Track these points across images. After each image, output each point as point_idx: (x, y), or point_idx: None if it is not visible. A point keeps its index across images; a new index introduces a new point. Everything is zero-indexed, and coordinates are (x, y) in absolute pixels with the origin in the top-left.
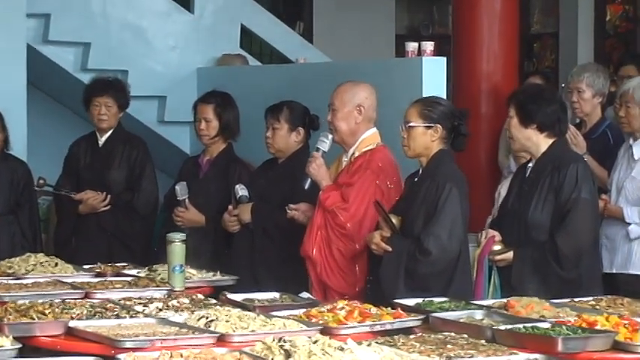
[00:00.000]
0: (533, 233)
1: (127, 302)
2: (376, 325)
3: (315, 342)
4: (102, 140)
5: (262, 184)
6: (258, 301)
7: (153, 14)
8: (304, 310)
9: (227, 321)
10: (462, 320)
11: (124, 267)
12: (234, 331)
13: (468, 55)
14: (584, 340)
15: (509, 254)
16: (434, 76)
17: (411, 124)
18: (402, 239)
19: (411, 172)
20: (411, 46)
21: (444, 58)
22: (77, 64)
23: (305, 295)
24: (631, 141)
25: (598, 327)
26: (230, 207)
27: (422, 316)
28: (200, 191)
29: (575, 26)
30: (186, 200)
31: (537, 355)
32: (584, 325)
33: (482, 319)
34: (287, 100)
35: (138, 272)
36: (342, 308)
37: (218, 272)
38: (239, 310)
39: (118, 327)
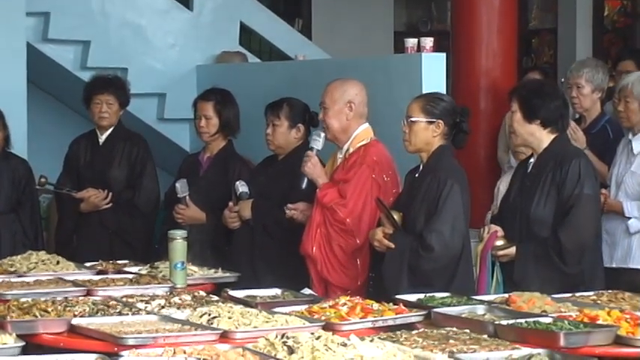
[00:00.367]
0: (535, 228)
1: (129, 299)
2: (378, 320)
3: (318, 338)
4: (102, 138)
5: (262, 181)
6: (260, 297)
7: (152, 12)
8: (306, 306)
9: (229, 318)
10: (463, 315)
11: (125, 264)
12: (236, 327)
13: (467, 52)
14: (586, 335)
15: (512, 249)
16: (433, 73)
17: (413, 119)
18: (405, 235)
19: (408, 168)
20: (411, 42)
21: (444, 54)
22: (77, 62)
23: (307, 291)
24: (630, 135)
25: (600, 322)
26: (230, 204)
27: (424, 312)
28: (200, 188)
29: (573, 22)
30: (187, 197)
31: (540, 350)
32: (585, 319)
33: (484, 315)
34: (287, 97)
35: (139, 270)
36: (344, 304)
37: (219, 269)
38: (241, 306)
39: (120, 324)
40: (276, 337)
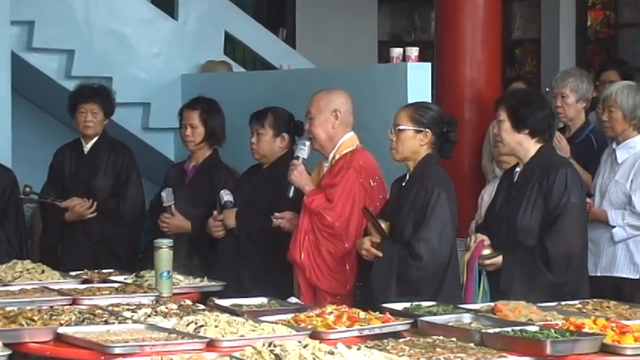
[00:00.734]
0: (522, 237)
1: (115, 308)
2: (365, 329)
3: (306, 346)
4: (87, 147)
5: (247, 190)
6: (247, 306)
7: (137, 21)
8: (292, 315)
9: (216, 326)
10: (450, 324)
11: (110, 273)
12: (223, 336)
13: (452, 62)
14: (572, 343)
15: (499, 259)
16: (419, 82)
17: (400, 127)
18: (393, 244)
19: (393, 176)
20: (396, 51)
21: (429, 64)
22: (61, 71)
23: (293, 300)
24: (614, 145)
25: (586, 330)
26: (215, 212)
27: (410, 321)
28: (186, 197)
29: (556, 32)
30: (172, 206)
31: (526, 358)
32: (571, 328)
33: (470, 323)
34: (272, 107)
35: (125, 279)
36: (331, 313)
37: (205, 278)
38: (227, 315)
39: (107, 333)
40: (264, 345)
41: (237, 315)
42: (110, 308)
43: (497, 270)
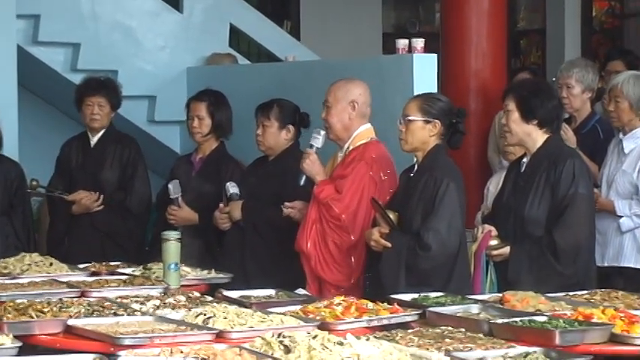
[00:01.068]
0: (529, 228)
1: (124, 300)
2: (373, 320)
3: (315, 337)
4: (94, 140)
5: (253, 182)
6: (255, 297)
7: (142, 14)
8: (301, 306)
9: (225, 317)
10: (458, 314)
11: (118, 266)
12: (232, 327)
13: (457, 53)
14: (581, 333)
15: (506, 249)
16: (425, 73)
17: (410, 118)
18: (401, 235)
19: (401, 167)
20: (402, 43)
21: (435, 55)
22: (67, 64)
23: (301, 291)
24: (621, 135)
25: (594, 320)
26: (221, 205)
27: (419, 311)
28: (192, 189)
29: (561, 22)
30: (180, 198)
31: (536, 348)
32: (580, 318)
33: (478, 314)
34: (277, 98)
35: (132, 271)
36: (339, 304)
37: (213, 270)
38: (236, 307)
39: (116, 325)
40: (273, 336)
41: (246, 306)
42: (119, 300)
43: (504, 261)
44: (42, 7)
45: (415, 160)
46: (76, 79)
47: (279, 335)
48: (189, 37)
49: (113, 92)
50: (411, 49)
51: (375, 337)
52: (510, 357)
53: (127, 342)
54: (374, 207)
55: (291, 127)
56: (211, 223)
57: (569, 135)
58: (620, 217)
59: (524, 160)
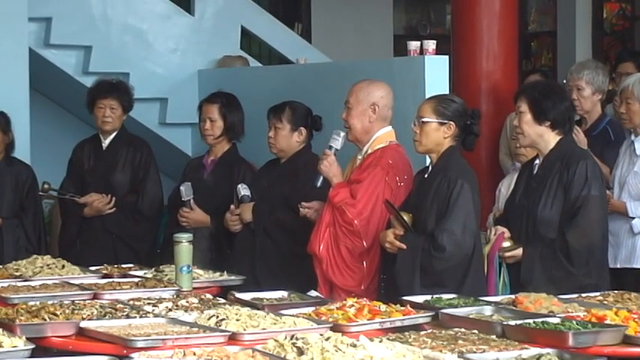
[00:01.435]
0: (542, 230)
1: (136, 303)
2: (386, 322)
3: (328, 339)
4: (106, 143)
5: (264, 184)
6: (267, 300)
7: (153, 17)
8: (313, 308)
9: (237, 320)
10: (471, 316)
11: (130, 268)
12: (244, 329)
13: (468, 55)
14: (594, 335)
15: (519, 251)
16: (437, 75)
17: (424, 120)
18: (416, 236)
19: (416, 169)
20: (413, 45)
21: (447, 57)
22: (79, 67)
23: (313, 293)
24: (633, 137)
25: (607, 321)
26: (232, 207)
27: (431, 313)
28: (204, 191)
29: (572, 24)
30: (192, 201)
31: (549, 350)
32: (593, 319)
33: (491, 315)
34: (289, 101)
35: (144, 273)
36: (352, 306)
37: (225, 272)
38: (248, 309)
39: (128, 327)
40: (286, 338)
41: (258, 308)
42: (131, 302)
43: (517, 262)
44: (54, 9)
45: (429, 161)
46: (88, 81)
47: (292, 337)
48: (200, 39)
49: (125, 95)
50: (422, 51)
51: (388, 338)
52: (523, 358)
53: (139, 344)
54: (388, 209)
55: (303, 129)
56: (222, 225)
57: (580, 137)
58: (633, 218)
59: (537, 161)
